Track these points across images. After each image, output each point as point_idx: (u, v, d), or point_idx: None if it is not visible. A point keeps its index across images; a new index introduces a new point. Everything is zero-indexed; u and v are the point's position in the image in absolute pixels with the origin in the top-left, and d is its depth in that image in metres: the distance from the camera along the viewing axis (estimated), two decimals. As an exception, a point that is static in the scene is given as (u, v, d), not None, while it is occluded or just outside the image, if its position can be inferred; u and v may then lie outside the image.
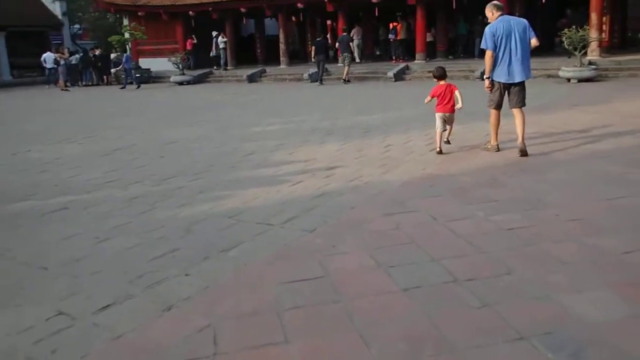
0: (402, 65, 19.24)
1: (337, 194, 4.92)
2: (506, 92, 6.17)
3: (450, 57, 21.71)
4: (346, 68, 18.33)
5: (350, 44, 19.17)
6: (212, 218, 4.44)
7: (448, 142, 6.68)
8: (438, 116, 6.49)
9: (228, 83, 21.77)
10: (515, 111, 6.14)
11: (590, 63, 14.40)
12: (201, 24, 24.29)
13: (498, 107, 6.22)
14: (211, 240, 3.90)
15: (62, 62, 23.30)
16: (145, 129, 9.91)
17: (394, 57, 21.41)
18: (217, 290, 3.12)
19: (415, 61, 19.91)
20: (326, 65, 18.85)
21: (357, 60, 21.40)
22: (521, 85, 6.11)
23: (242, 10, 22.78)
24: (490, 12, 6.13)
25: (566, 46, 14.00)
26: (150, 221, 4.43)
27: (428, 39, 20.82)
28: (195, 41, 24.23)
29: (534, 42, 6.04)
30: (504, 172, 5.32)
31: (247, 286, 3.12)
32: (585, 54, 14.22)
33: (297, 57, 26.74)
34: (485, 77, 6.26)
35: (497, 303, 2.68)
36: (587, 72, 13.73)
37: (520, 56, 5.93)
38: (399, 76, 18.30)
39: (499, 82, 6.09)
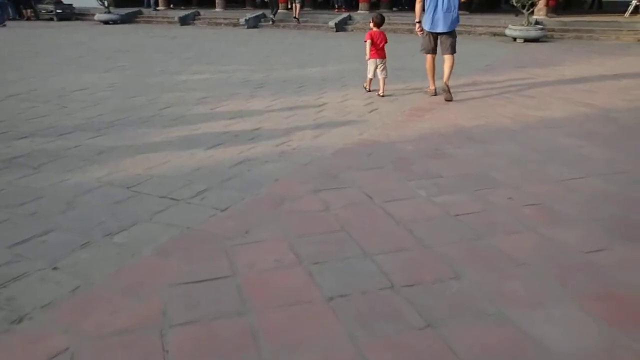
0: (344, 14, 18.34)
1: (260, 161, 4.22)
2: (437, 39, 6.54)
3: (394, 9, 20.95)
4: (297, 5, 17.54)
5: None
6: (105, 188, 3.66)
7: (382, 95, 6.77)
8: (371, 62, 6.81)
9: (158, 24, 20.21)
10: (446, 56, 6.53)
11: (537, 22, 14.06)
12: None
13: (430, 51, 6.61)
14: (97, 219, 3.14)
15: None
16: (52, 73, 8.72)
17: (336, 6, 20.44)
18: (89, 293, 2.40)
19: (359, 11, 19.05)
20: (264, 12, 17.73)
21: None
22: (449, 34, 6.44)
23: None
24: None
25: (514, 3, 13.56)
26: (27, 190, 3.60)
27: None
28: None
29: None
30: (449, 140, 4.77)
31: (128, 288, 2.42)
32: (532, 13, 13.84)
33: (235, 1, 25.19)
34: (416, 21, 6.70)
35: (442, 323, 2.12)
36: (534, 32, 13.39)
37: (446, 8, 6.30)
38: (341, 26, 17.44)
39: (425, 30, 6.53)
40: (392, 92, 7.13)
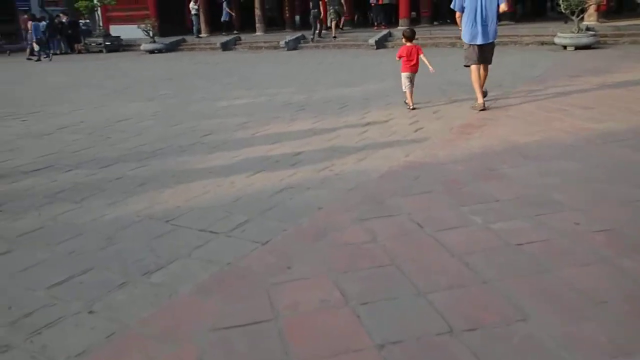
0: (384, 31, 18.19)
1: (302, 188, 4.05)
2: (480, 50, 6.52)
3: (435, 22, 20.67)
4: (333, 23, 18.02)
5: None
6: (145, 222, 3.56)
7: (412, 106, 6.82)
8: (404, 76, 6.87)
9: (201, 51, 20.57)
10: (482, 66, 6.61)
11: (587, 29, 13.51)
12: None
13: (475, 62, 6.55)
14: (136, 256, 3.02)
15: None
16: (99, 104, 8.88)
17: (375, 23, 20.32)
18: (124, 339, 2.26)
19: (399, 27, 18.86)
20: (303, 33, 17.82)
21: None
22: (489, 45, 6.53)
23: (216, -28, 21.44)
24: None
25: (562, 10, 13.07)
26: (68, 227, 3.54)
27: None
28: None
29: (502, 7, 6.37)
30: (503, 158, 4.48)
31: (164, 333, 2.26)
32: (582, 19, 13.30)
33: (275, 24, 25.45)
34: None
35: (511, 375, 1.87)
36: (585, 39, 12.85)
37: (485, 20, 6.33)
38: (381, 44, 17.29)
39: (466, 42, 6.54)
40: (437, 108, 6.88)
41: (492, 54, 6.64)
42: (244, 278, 2.69)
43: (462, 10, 6.44)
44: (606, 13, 15.95)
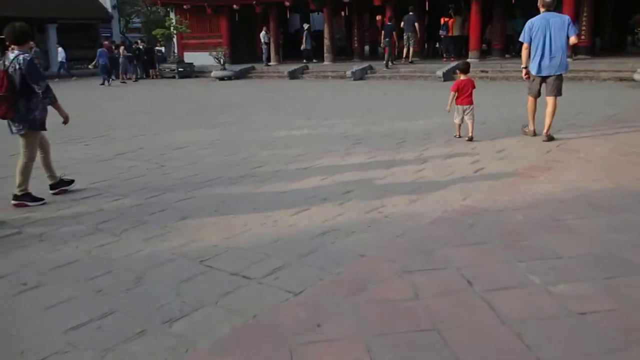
0: (453, 64, 17.77)
1: (347, 231, 3.80)
2: (543, 82, 6.62)
3: (507, 55, 20.04)
4: (411, 49, 18.60)
5: (415, 24, 18.52)
6: (178, 261, 3.42)
7: (471, 139, 6.84)
8: (458, 109, 6.94)
9: (269, 79, 20.88)
10: (548, 99, 6.57)
11: (670, 65, 12.64)
12: (246, 17, 23.55)
13: (534, 94, 6.75)
14: (162, 300, 2.87)
15: (119, 55, 23.07)
16: (160, 129, 9.03)
17: (444, 55, 19.96)
18: (129, 400, 2.08)
19: (469, 59, 18.40)
20: (370, 64, 17.74)
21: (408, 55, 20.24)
22: (556, 76, 6.52)
23: (287, 4, 21.80)
24: (539, 6, 6.56)
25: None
26: (100, 262, 3.45)
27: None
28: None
29: (572, 39, 6.42)
30: (569, 208, 4.06)
31: (173, 397, 2.07)
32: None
33: (344, 53, 25.55)
34: (522, 66, 6.83)
35: None
36: (669, 76, 12.02)
37: (553, 52, 6.39)
38: (449, 76, 16.85)
39: (532, 74, 6.64)
40: (502, 146, 6.49)
41: (558, 88, 6.57)
42: (268, 335, 2.47)
43: (530, 42, 6.52)
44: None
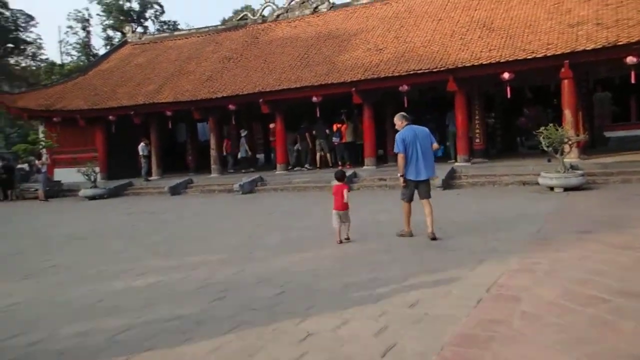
0: (348, 172, 16.51)
1: None
2: (416, 188, 7.23)
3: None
4: (327, 154, 18.83)
5: (327, 131, 18.52)
6: None
7: (348, 238, 7.34)
8: (334, 213, 7.31)
9: (147, 195, 18.56)
10: (424, 202, 7.18)
11: (572, 167, 11.88)
12: (125, 128, 21.31)
13: (409, 199, 7.28)
14: None
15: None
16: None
17: (339, 163, 18.76)
18: None
19: (364, 167, 17.26)
20: (261, 175, 16.08)
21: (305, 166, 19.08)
22: (427, 181, 7.24)
23: (168, 113, 20.03)
24: (399, 121, 7.33)
25: (545, 147, 11.49)
26: None
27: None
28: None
29: (435, 146, 7.33)
30: None
31: None
32: (564, 155, 11.69)
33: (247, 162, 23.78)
34: (399, 174, 7.28)
35: None
36: (574, 179, 11.09)
37: (427, 158, 7.11)
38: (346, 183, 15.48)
39: (409, 179, 7.17)
40: (415, 294, 4.65)
41: (429, 190, 7.28)
42: None
43: (405, 151, 7.07)
44: (583, 149, 14.54)
